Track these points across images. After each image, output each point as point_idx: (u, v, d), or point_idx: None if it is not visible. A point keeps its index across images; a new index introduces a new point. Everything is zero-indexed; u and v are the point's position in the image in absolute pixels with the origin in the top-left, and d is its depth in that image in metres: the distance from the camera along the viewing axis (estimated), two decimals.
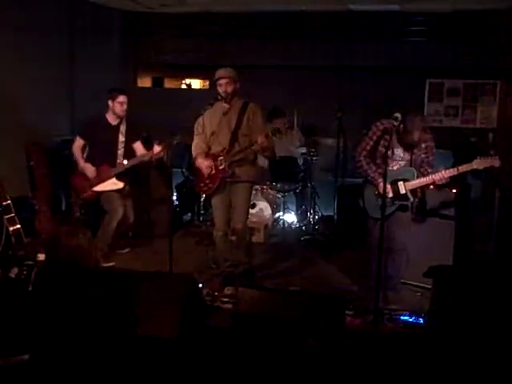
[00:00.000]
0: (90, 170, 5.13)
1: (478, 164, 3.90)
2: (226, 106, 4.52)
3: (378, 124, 4.14)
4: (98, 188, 5.15)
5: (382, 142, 4.11)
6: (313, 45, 7.15)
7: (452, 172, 3.96)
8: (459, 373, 2.96)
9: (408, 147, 4.09)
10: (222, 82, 4.44)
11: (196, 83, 8.37)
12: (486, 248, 5.00)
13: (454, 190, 4.63)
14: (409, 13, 6.68)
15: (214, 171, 4.51)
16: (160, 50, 7.77)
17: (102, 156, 5.16)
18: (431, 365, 3.05)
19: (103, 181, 5.13)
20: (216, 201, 4.63)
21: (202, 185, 4.62)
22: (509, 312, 3.11)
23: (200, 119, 4.61)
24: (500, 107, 6.74)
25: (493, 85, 6.77)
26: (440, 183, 4.01)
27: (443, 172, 3.98)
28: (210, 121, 4.58)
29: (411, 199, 4.10)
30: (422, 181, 4.06)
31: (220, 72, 4.48)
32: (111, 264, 5.19)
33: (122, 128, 5.22)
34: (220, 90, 4.46)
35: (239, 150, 4.45)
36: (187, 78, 8.09)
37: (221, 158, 4.48)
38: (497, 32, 6.48)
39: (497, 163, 3.89)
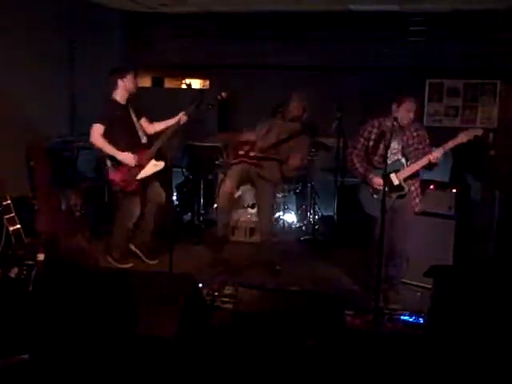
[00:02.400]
0: (129, 157, 4.70)
1: (462, 138, 3.94)
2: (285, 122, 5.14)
3: (370, 122, 4.26)
4: (142, 175, 4.81)
5: (373, 137, 4.20)
6: (313, 45, 7.14)
7: (438, 152, 3.98)
8: (459, 373, 2.96)
9: (400, 135, 4.11)
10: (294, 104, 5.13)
11: (196, 83, 8.37)
12: (486, 248, 5.00)
13: (454, 190, 4.63)
14: (408, 13, 6.68)
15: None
16: (160, 50, 7.77)
17: (126, 140, 4.78)
18: (431, 365, 3.05)
19: (143, 167, 4.79)
20: (236, 169, 5.11)
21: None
22: (509, 312, 3.11)
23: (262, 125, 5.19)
24: (500, 107, 6.73)
25: (493, 85, 6.75)
26: (434, 161, 4.01)
27: (430, 155, 4.01)
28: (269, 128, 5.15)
29: (406, 188, 4.12)
30: (413, 167, 4.09)
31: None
32: (129, 265, 5.06)
33: (130, 108, 4.98)
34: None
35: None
36: (187, 77, 8.07)
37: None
38: (497, 32, 6.47)
39: (479, 132, 3.97)
